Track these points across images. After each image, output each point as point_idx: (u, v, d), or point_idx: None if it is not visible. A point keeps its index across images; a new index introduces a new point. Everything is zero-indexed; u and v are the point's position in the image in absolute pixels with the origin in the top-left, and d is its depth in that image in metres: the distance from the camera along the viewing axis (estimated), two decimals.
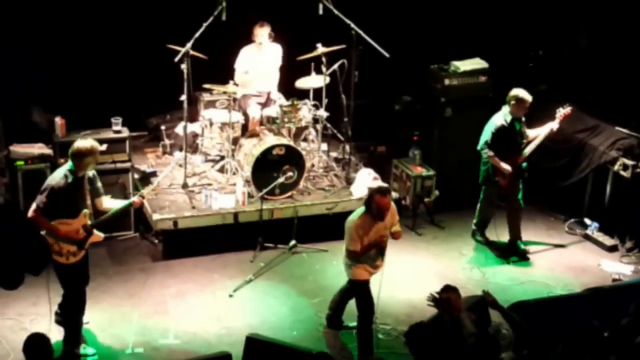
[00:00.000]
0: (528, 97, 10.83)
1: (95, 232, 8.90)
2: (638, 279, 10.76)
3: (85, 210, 8.78)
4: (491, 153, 10.96)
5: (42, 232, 8.71)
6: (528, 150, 11.05)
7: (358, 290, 9.08)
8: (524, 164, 11.15)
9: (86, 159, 8.69)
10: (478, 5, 13.68)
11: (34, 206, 8.64)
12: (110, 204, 9.06)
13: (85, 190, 8.82)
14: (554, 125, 10.98)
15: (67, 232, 8.68)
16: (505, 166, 10.94)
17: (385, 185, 9.21)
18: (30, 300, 9.71)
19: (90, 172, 8.86)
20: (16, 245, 10.01)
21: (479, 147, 11.07)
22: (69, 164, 8.73)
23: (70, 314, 9.00)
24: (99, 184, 8.99)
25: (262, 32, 11.74)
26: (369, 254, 8.87)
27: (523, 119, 11.09)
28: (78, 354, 9.02)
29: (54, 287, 9.14)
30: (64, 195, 8.64)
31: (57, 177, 8.70)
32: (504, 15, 13.68)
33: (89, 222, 8.82)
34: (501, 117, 10.95)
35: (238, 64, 11.89)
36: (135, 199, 9.21)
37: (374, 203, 8.68)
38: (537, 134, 11.09)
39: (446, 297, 7.84)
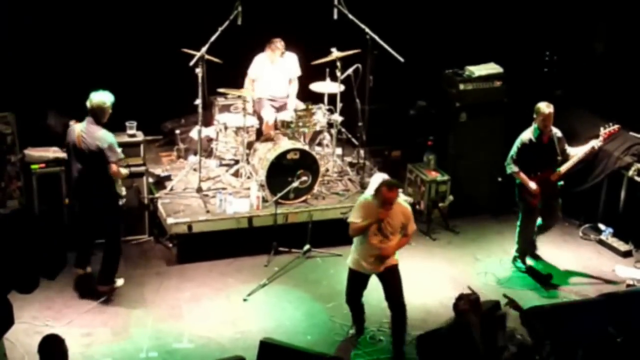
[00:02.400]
0: (545, 110, 10.34)
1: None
2: None
3: None
4: (516, 169, 10.60)
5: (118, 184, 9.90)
6: (564, 168, 10.61)
7: (348, 275, 9.40)
8: (560, 182, 10.77)
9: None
10: (493, 10, 13.66)
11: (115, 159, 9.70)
12: None
13: None
14: (596, 143, 10.55)
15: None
16: (531, 184, 10.56)
17: (395, 181, 9.46)
18: (45, 304, 9.73)
19: None
20: (32, 249, 10.01)
21: (505, 162, 10.74)
22: (102, 128, 9.69)
23: (117, 256, 10.15)
24: None
25: (279, 46, 11.84)
26: (363, 245, 9.09)
27: (559, 134, 10.64)
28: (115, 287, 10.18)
29: (67, 294, 9.26)
30: None
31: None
32: (519, 20, 13.66)
33: None
34: (529, 132, 10.55)
35: (250, 71, 12.03)
36: None
37: (380, 194, 8.85)
38: (577, 152, 10.65)
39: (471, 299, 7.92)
